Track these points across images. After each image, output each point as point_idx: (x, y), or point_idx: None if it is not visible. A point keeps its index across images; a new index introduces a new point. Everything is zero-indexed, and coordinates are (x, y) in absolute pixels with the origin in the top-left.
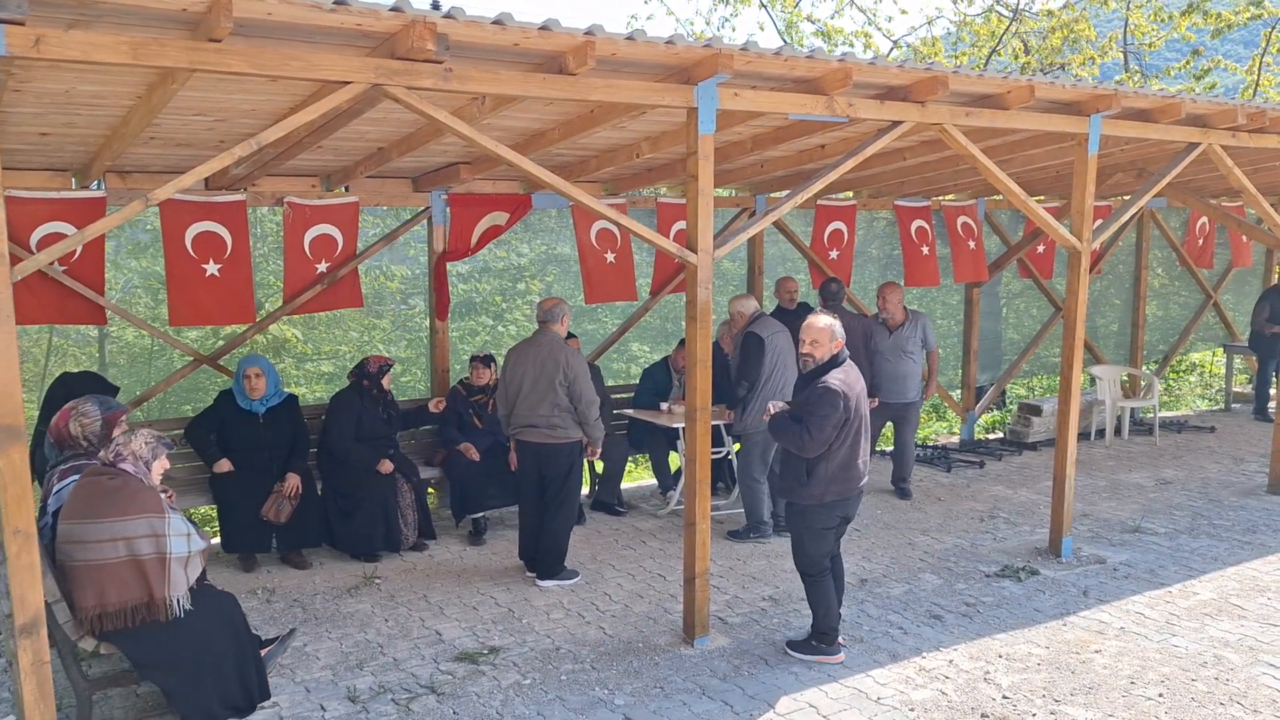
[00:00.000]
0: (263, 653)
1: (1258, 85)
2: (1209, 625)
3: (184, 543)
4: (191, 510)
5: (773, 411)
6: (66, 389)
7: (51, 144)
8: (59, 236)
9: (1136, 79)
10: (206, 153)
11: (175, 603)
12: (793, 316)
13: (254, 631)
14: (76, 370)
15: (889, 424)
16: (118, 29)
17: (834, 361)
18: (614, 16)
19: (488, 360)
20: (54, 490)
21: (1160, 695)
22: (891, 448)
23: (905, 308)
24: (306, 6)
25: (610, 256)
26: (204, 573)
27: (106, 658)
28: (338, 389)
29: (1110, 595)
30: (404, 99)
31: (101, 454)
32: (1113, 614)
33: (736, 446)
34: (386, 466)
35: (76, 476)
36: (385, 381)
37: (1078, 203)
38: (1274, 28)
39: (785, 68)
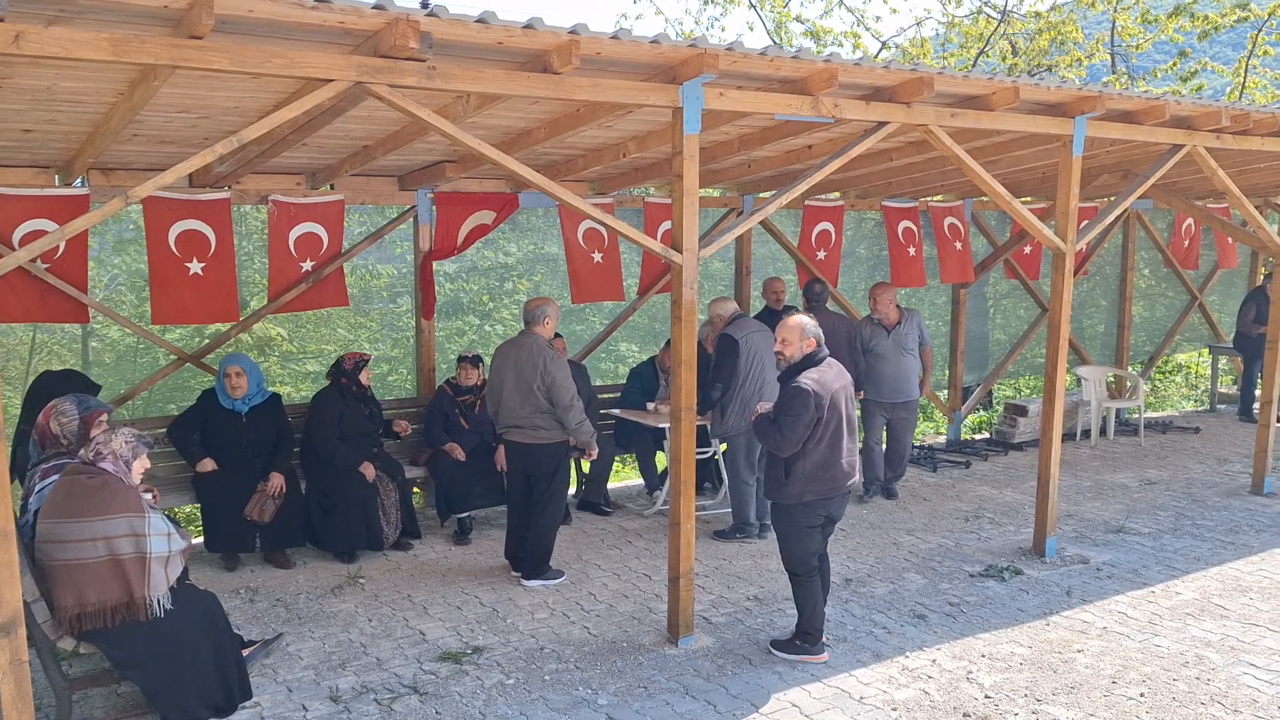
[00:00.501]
0: (245, 653)
1: (1244, 87)
2: (1191, 625)
3: (164, 542)
4: (175, 509)
5: (759, 412)
6: (47, 387)
7: (34, 141)
8: (41, 234)
9: (1124, 81)
10: (190, 150)
11: (155, 602)
12: (779, 317)
13: (236, 631)
14: (59, 368)
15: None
16: (99, 25)
17: (809, 360)
18: (603, 15)
19: (475, 361)
20: (35, 489)
21: (1141, 695)
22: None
23: (898, 306)
24: (289, 4)
25: (597, 256)
26: (185, 571)
27: (86, 657)
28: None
29: (1093, 595)
30: (387, 97)
31: (82, 453)
32: (1095, 614)
33: (723, 447)
34: (369, 471)
35: (57, 476)
36: (363, 377)
37: (1062, 204)
38: (1260, 30)
39: (770, 68)
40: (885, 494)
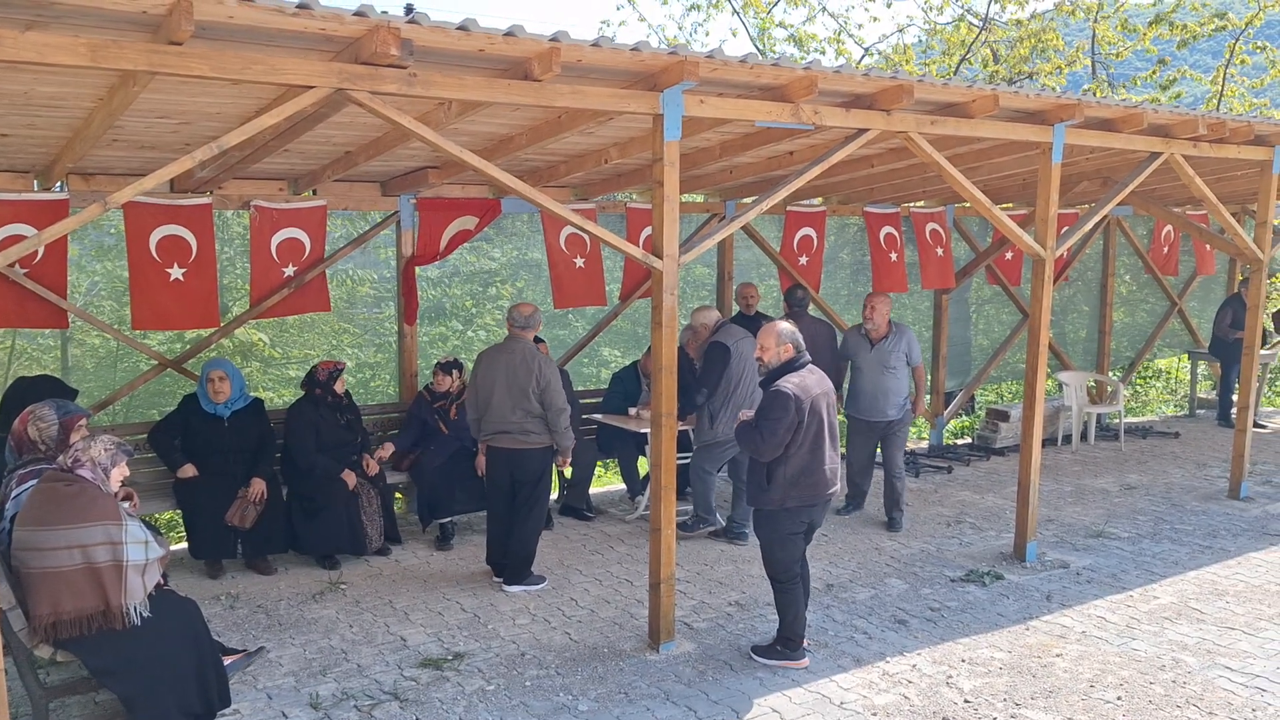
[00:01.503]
0: (226, 661)
1: (1222, 95)
2: (1168, 629)
3: (141, 550)
4: (155, 516)
5: (742, 419)
6: (21, 393)
7: (11, 145)
8: (19, 239)
9: (1104, 88)
10: (171, 155)
11: (132, 610)
12: (751, 322)
13: (216, 638)
14: (33, 374)
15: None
16: (77, 30)
17: (789, 366)
18: (587, 21)
19: (448, 368)
20: (12, 495)
21: (1119, 698)
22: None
23: (890, 321)
24: (269, 10)
25: (579, 261)
26: (165, 578)
27: (64, 665)
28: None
29: (1072, 599)
30: (368, 104)
31: (60, 459)
32: (1074, 618)
33: None
34: (351, 479)
35: (35, 481)
36: (338, 386)
37: (1042, 211)
38: (1237, 39)
39: (751, 75)
40: (888, 525)
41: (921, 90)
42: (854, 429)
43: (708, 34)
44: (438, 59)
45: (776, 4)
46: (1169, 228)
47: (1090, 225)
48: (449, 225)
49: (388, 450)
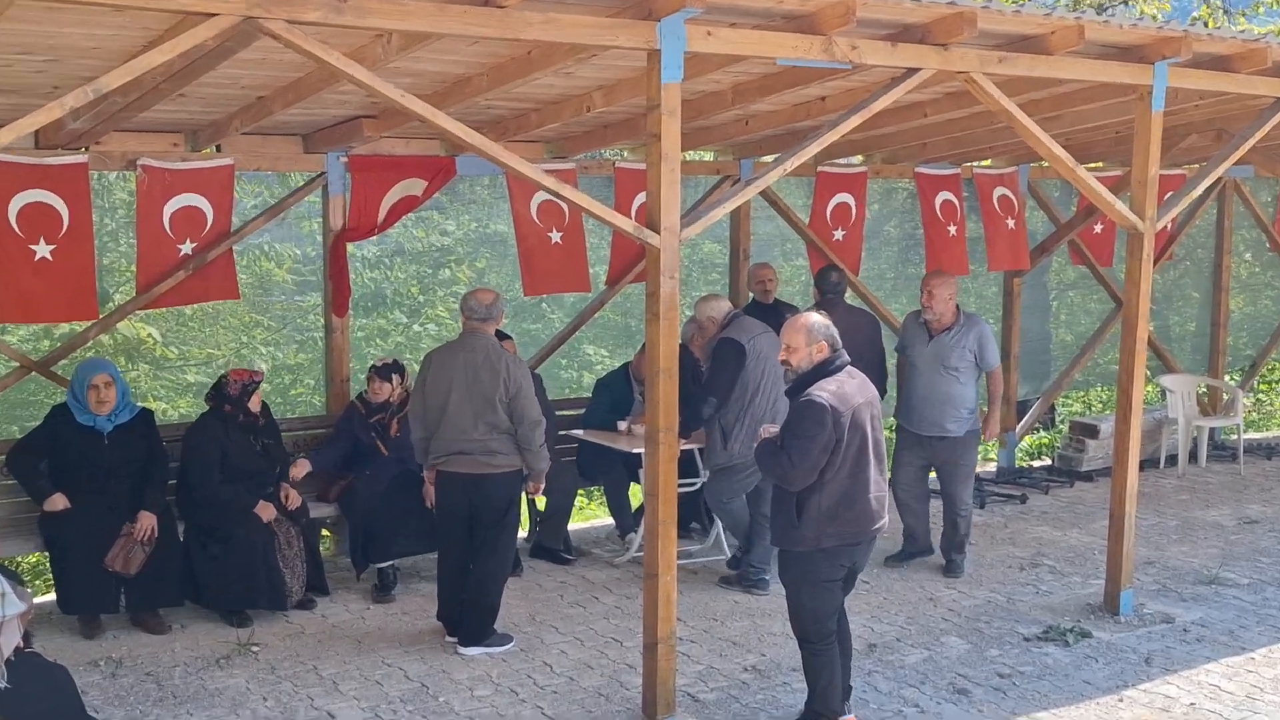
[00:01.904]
0: None
1: None
2: None
3: None
4: (16, 560)
5: (764, 436)
6: None
7: None
8: None
9: (1218, 17)
10: (36, 102)
11: None
12: (769, 314)
13: (93, 716)
14: None
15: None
16: None
17: (822, 369)
18: None
19: (386, 372)
20: None
21: None
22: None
23: (959, 308)
24: None
25: (556, 236)
26: (28, 638)
27: None
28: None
29: (1179, 663)
30: (285, 36)
31: None
32: (1181, 686)
33: None
34: (267, 511)
35: None
36: (253, 403)
37: (1139, 171)
38: None
39: (771, 0)
40: (946, 569)
41: (987, 19)
42: (901, 443)
43: None
44: None
45: None
46: None
47: (1200, 190)
48: (389, 190)
49: (301, 469)
